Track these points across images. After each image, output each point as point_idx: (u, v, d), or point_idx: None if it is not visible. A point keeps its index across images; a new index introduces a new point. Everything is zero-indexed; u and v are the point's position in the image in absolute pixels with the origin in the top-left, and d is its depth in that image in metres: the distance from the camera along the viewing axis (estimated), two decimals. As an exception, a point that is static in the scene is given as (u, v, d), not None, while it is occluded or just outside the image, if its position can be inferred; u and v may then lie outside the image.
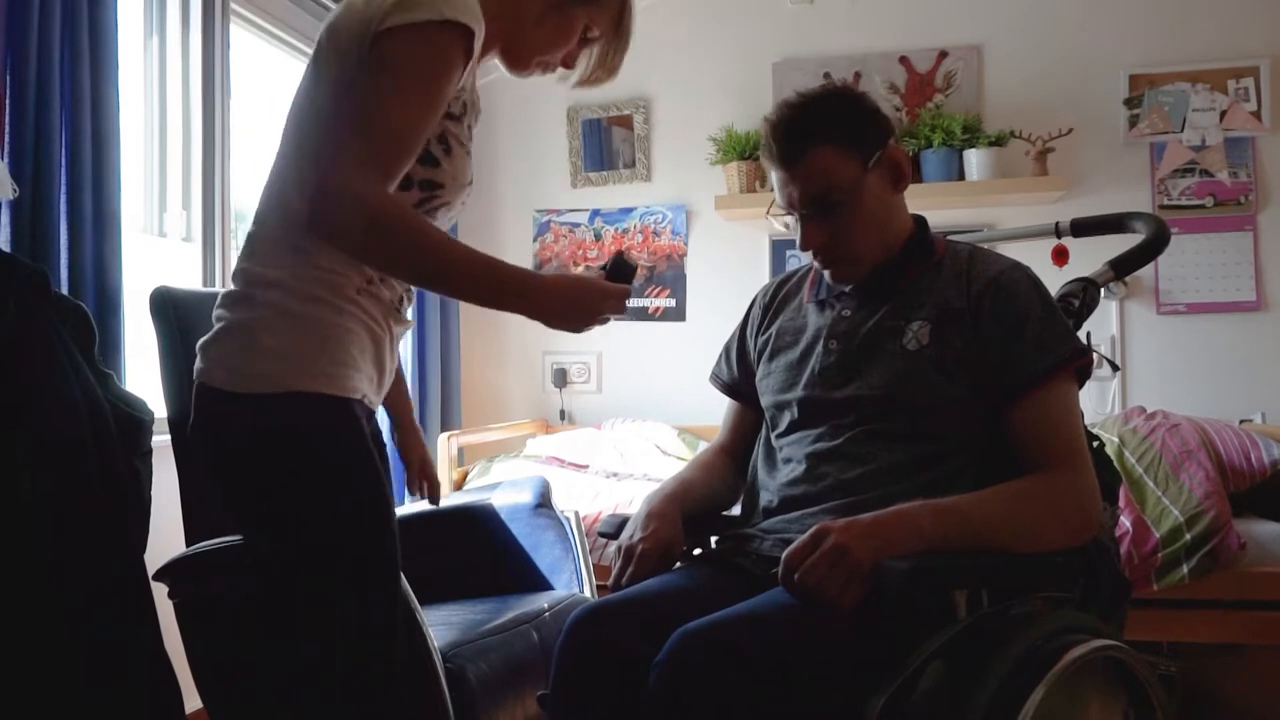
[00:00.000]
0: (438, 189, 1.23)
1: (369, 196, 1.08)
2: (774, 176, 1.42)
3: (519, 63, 1.37)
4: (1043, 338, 1.31)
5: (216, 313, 1.23)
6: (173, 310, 1.70)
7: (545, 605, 1.93)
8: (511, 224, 3.76)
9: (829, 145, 1.36)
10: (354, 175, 1.08)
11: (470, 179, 1.31)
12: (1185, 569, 2.36)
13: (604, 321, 1.26)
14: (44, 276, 1.66)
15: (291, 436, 1.16)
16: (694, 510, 1.49)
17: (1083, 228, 1.76)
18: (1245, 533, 2.41)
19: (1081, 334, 1.41)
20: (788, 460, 1.43)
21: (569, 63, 1.39)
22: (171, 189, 2.57)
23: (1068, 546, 1.29)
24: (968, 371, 1.32)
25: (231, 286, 1.24)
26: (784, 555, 1.19)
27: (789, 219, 1.43)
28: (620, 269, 1.27)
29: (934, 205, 3.26)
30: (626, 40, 1.42)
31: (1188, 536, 2.38)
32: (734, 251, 3.57)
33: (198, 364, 1.22)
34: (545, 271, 3.75)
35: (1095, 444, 1.44)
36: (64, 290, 1.90)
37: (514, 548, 2.15)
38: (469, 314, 3.68)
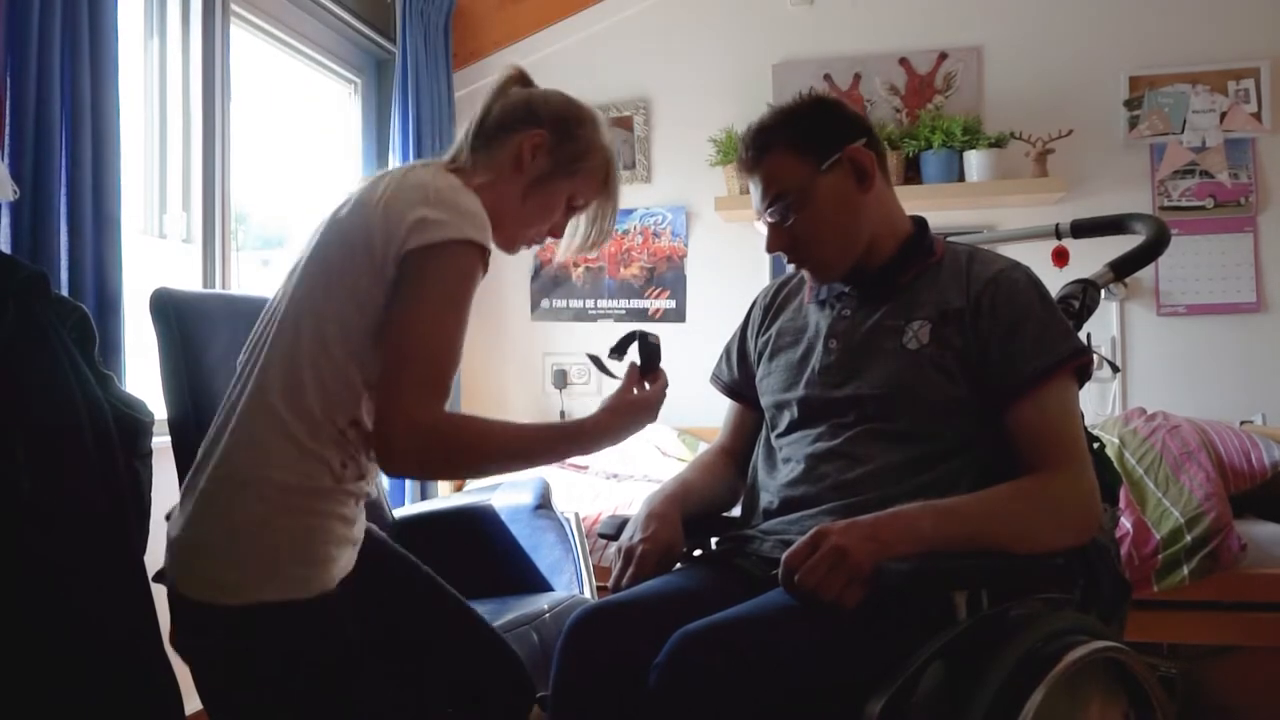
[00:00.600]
0: None
1: (438, 424, 1.15)
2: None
3: (507, 242, 1.38)
4: (1042, 337, 1.31)
5: (184, 505, 1.23)
6: (173, 312, 1.70)
7: (545, 606, 1.93)
8: (512, 225, 3.76)
9: (781, 149, 1.39)
10: (419, 407, 1.13)
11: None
12: (1186, 570, 2.36)
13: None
14: (44, 278, 1.66)
15: (267, 648, 1.18)
16: (694, 511, 1.49)
17: (1083, 229, 1.76)
18: (1246, 534, 2.41)
19: (1082, 335, 1.41)
20: (787, 460, 1.43)
21: (557, 232, 1.41)
22: (171, 190, 2.57)
23: (1068, 547, 1.29)
24: (967, 371, 1.32)
25: (209, 457, 1.23)
26: (784, 557, 1.19)
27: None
28: (648, 353, 1.35)
29: (934, 207, 3.26)
30: (616, 201, 1.44)
31: (1188, 538, 2.38)
32: (734, 253, 3.57)
33: (169, 561, 1.23)
34: (546, 273, 3.77)
35: (1095, 445, 1.44)
36: (64, 292, 1.89)
37: (514, 549, 2.15)
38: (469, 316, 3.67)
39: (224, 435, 1.23)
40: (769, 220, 1.42)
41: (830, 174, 1.38)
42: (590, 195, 1.40)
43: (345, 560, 1.25)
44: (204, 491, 1.21)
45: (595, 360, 1.37)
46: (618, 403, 1.31)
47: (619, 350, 1.37)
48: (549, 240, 1.42)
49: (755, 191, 1.44)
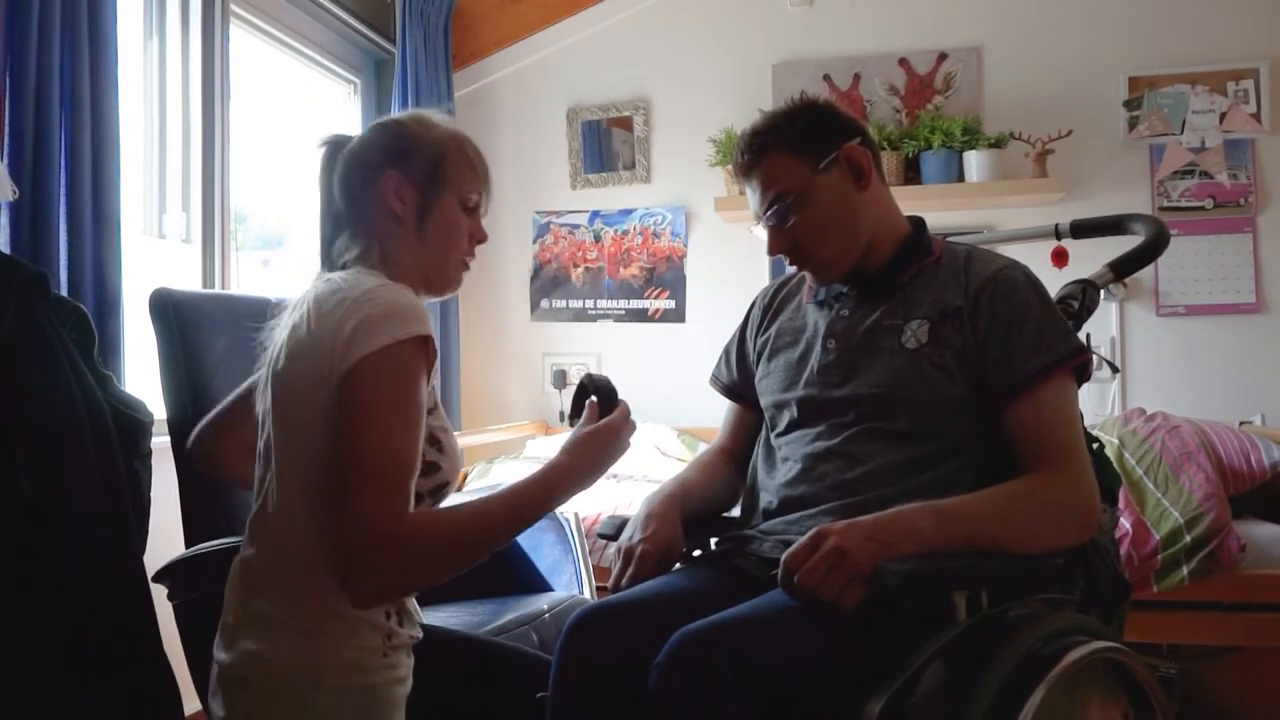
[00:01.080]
0: (444, 486, 1.21)
1: (401, 531, 1.06)
2: (747, 190, 1.46)
3: (442, 283, 1.27)
4: (1041, 336, 1.31)
5: (229, 691, 1.14)
6: (172, 312, 1.70)
7: (545, 606, 1.93)
8: (511, 225, 3.76)
9: (778, 152, 1.40)
10: (377, 519, 1.05)
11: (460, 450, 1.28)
12: (1185, 571, 2.36)
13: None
14: (44, 278, 1.66)
15: None
16: (693, 511, 1.49)
17: (1082, 230, 1.76)
18: (1245, 535, 2.41)
19: (1081, 336, 1.42)
20: (786, 460, 1.43)
21: (478, 236, 1.29)
22: (171, 190, 2.57)
23: (1067, 546, 1.29)
24: (966, 370, 1.33)
25: (239, 630, 1.14)
26: (784, 558, 1.19)
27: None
28: (604, 393, 1.27)
29: (934, 207, 3.26)
30: (486, 170, 1.31)
31: (1188, 538, 2.38)
32: (733, 253, 3.57)
33: None
34: (545, 273, 3.76)
35: (1095, 445, 1.44)
36: (64, 292, 1.90)
37: (514, 549, 2.15)
38: (469, 316, 3.68)
39: (246, 623, 1.14)
40: (769, 223, 1.42)
41: (828, 173, 1.39)
42: (473, 185, 1.28)
43: (403, 711, 1.18)
44: (253, 692, 1.12)
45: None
46: (578, 436, 1.23)
47: (575, 410, 1.29)
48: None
49: (753, 195, 1.44)
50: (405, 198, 1.23)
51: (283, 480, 1.14)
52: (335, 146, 1.28)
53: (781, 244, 1.42)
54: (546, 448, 3.27)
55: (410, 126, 1.27)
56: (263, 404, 1.18)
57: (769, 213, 1.41)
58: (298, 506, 1.12)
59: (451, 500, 1.23)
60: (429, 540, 1.09)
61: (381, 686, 1.14)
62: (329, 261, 1.25)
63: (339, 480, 1.07)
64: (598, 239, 3.71)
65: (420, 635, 1.21)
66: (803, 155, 1.39)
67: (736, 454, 1.60)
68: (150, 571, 1.65)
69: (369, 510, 1.05)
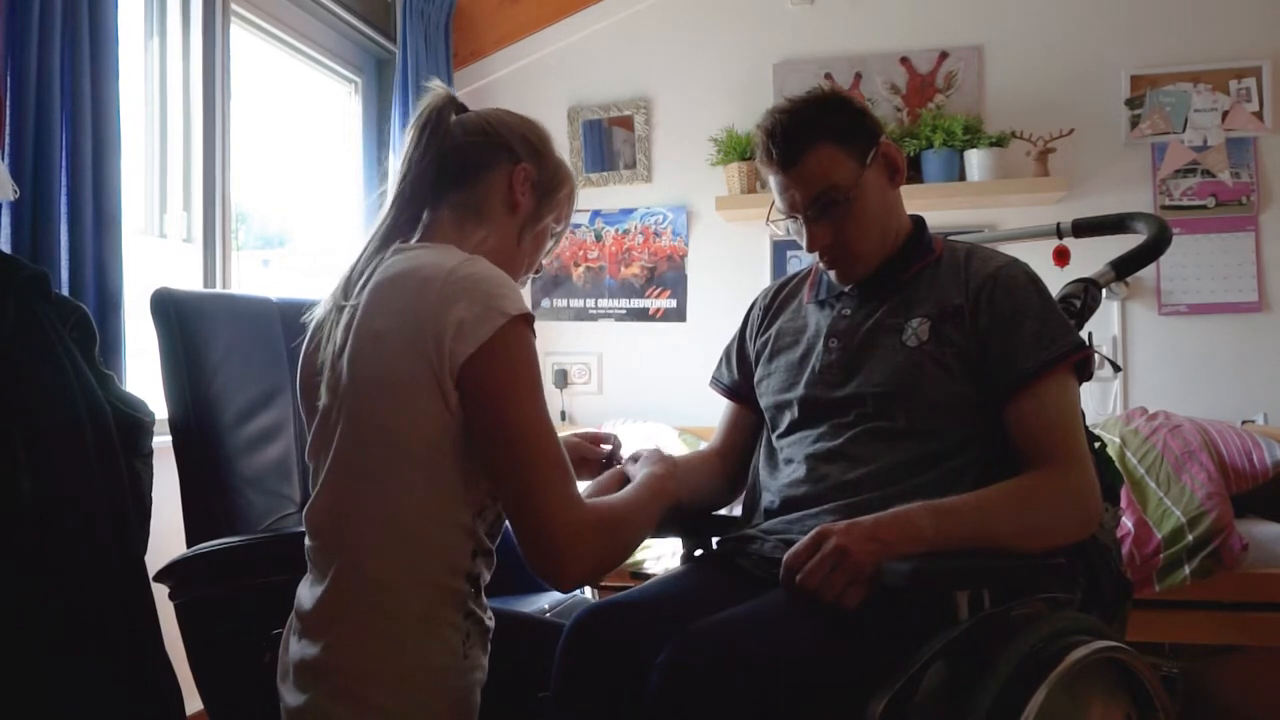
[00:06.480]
0: None
1: (594, 519, 1.11)
2: (773, 182, 1.42)
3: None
4: (1041, 333, 1.31)
5: (302, 678, 1.12)
6: (173, 311, 1.70)
7: (545, 606, 1.92)
8: (512, 225, 3.76)
9: (826, 145, 1.36)
10: (572, 510, 1.09)
11: None
12: (1187, 570, 2.36)
13: None
14: (44, 278, 1.66)
15: None
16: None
17: (1084, 228, 1.76)
18: (1247, 534, 2.41)
19: (1083, 334, 1.41)
20: (789, 461, 1.43)
21: (539, 265, 1.34)
22: (172, 190, 2.57)
23: (1068, 543, 1.29)
24: (967, 367, 1.32)
25: (309, 654, 1.11)
26: (785, 558, 1.19)
27: (790, 223, 1.43)
28: None
29: (935, 206, 3.26)
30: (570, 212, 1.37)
31: (1190, 538, 2.38)
32: (735, 252, 3.56)
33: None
34: (546, 273, 3.75)
35: (1097, 445, 1.44)
36: (64, 291, 1.89)
37: (515, 548, 2.14)
38: (470, 315, 3.67)
39: (320, 617, 1.13)
40: (813, 217, 1.39)
41: (870, 168, 1.38)
42: (567, 216, 1.33)
43: (478, 700, 1.18)
44: (332, 688, 1.11)
45: None
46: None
47: None
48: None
49: (790, 189, 1.39)
50: (527, 195, 1.26)
51: (369, 476, 1.11)
52: (449, 107, 1.25)
53: (824, 239, 1.40)
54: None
55: (543, 130, 1.31)
56: (331, 398, 1.14)
57: (813, 207, 1.38)
58: (393, 504, 1.10)
59: None
60: (613, 522, 1.14)
61: (462, 688, 1.14)
62: (397, 230, 1.20)
63: (511, 482, 1.09)
64: (599, 238, 3.71)
65: (491, 624, 1.21)
66: (849, 149, 1.37)
67: (729, 456, 1.59)
68: (151, 571, 1.65)
69: (559, 505, 1.08)
